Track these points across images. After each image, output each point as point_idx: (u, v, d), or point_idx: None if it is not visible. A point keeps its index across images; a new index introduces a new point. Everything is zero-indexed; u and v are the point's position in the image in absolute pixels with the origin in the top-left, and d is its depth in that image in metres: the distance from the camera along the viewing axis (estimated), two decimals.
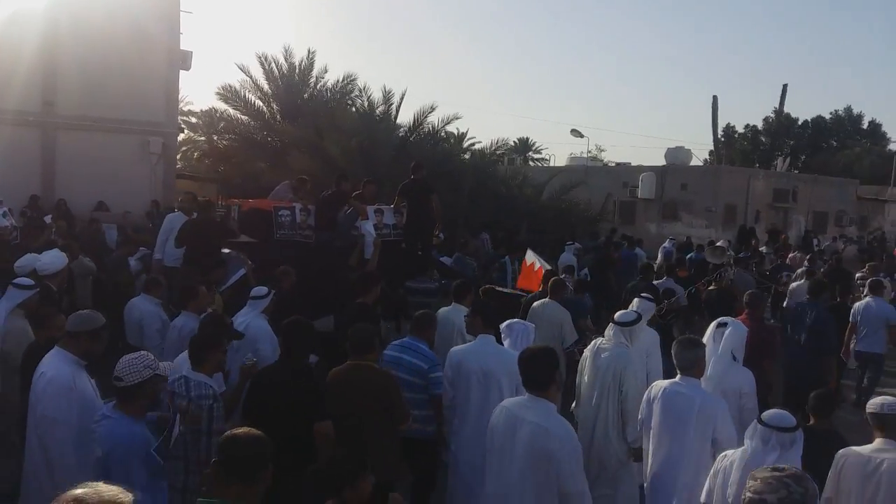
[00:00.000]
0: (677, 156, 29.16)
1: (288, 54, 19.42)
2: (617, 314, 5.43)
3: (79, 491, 1.90)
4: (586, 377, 5.38)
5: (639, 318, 5.39)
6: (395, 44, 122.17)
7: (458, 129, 21.03)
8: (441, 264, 9.61)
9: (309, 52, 19.77)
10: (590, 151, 35.42)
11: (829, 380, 7.32)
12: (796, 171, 36.39)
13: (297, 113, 18.63)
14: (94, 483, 1.97)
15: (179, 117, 18.81)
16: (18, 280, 5.50)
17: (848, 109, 53.91)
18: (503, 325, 5.32)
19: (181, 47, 17.44)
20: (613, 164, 33.67)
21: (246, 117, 19.36)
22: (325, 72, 19.81)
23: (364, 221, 8.36)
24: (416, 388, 5.06)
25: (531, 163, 42.82)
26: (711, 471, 3.76)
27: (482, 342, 5.03)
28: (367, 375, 4.52)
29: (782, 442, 3.43)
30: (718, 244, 14.12)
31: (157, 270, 8.24)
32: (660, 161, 29.60)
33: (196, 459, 4.14)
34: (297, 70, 19.54)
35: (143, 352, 3.79)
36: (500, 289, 8.68)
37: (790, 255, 17.21)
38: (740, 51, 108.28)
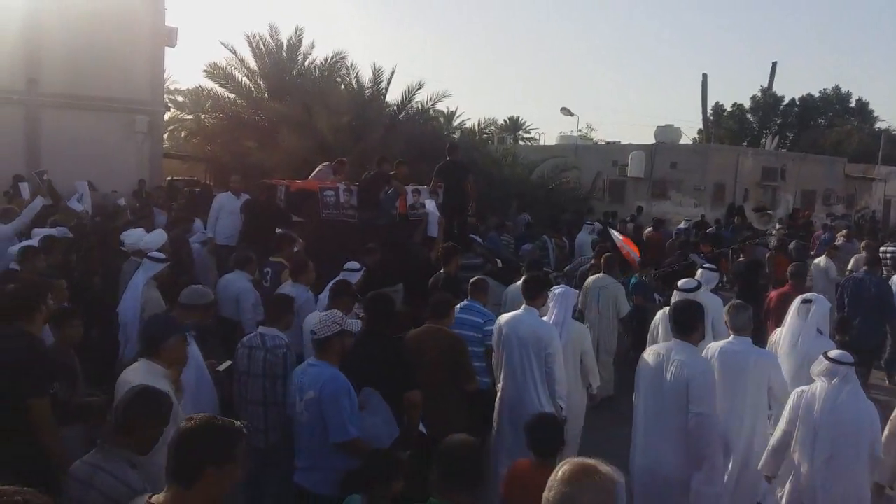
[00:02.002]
0: (667, 134, 30.28)
1: (274, 31, 19.99)
2: (680, 282, 6.65)
3: None
4: (660, 339, 6.51)
5: (699, 285, 6.59)
6: (384, 22, 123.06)
7: (447, 107, 21.98)
8: (476, 243, 10.67)
9: (297, 29, 20.35)
10: (580, 130, 36.58)
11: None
12: (784, 150, 38.09)
13: (285, 91, 19.13)
14: None
15: (166, 96, 19.17)
16: (153, 254, 6.29)
17: (837, 89, 55.69)
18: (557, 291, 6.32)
19: (166, 23, 17.85)
20: (603, 143, 34.91)
21: (233, 95, 19.83)
22: (313, 47, 20.49)
23: (428, 200, 9.41)
24: (475, 342, 6.06)
25: (521, 142, 43.93)
26: (792, 402, 4.86)
27: (524, 312, 5.82)
28: (440, 337, 5.48)
29: (850, 373, 4.63)
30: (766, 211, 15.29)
31: (210, 249, 9.22)
32: (649, 139, 30.71)
33: (273, 401, 4.94)
34: (284, 47, 20.06)
35: (333, 310, 4.60)
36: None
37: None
38: (730, 29, 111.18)
